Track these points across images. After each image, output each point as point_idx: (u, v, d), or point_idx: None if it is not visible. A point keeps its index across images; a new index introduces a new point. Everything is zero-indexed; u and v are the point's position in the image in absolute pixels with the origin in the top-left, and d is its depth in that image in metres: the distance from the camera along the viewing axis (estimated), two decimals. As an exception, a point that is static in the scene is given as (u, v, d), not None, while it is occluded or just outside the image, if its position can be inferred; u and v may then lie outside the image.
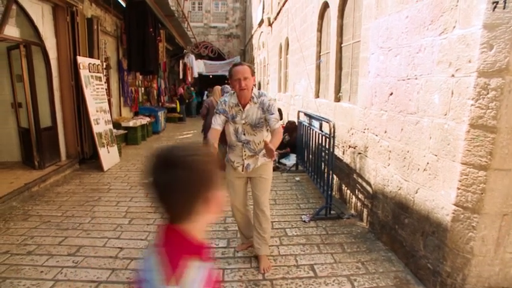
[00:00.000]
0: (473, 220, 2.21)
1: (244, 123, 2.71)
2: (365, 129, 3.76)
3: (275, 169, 6.10)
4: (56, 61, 5.71)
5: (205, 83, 20.34)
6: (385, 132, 3.28)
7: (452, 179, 2.30)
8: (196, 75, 15.13)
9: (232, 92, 2.75)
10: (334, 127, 3.76)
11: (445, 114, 2.37)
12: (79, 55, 5.84)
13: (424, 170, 2.63)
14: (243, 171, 2.80)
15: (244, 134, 2.73)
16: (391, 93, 3.16)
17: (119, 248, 3.20)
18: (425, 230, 2.62)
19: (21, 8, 4.85)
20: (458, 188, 2.25)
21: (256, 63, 15.83)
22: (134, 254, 3.10)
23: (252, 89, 2.66)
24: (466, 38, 2.16)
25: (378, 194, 3.45)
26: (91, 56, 6.32)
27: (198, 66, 15.75)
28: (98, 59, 6.53)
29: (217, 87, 5.63)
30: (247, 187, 2.99)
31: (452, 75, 2.29)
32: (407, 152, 2.88)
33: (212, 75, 20.63)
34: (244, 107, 2.68)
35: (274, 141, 2.54)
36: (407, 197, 2.90)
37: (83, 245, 3.24)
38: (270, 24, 11.51)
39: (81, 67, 5.80)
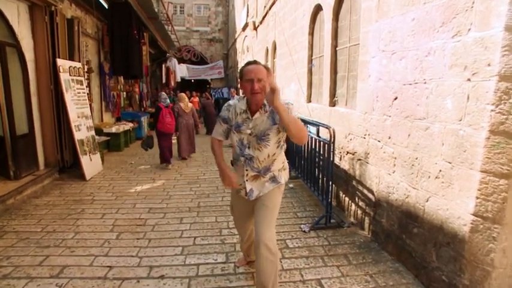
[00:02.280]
0: (494, 231, 2.11)
1: (250, 134, 2.24)
2: (365, 134, 3.66)
3: None
4: (33, 63, 5.33)
5: (188, 87, 20.01)
6: (389, 138, 3.18)
7: (470, 188, 2.20)
8: (179, 79, 14.81)
9: (242, 95, 2.34)
10: (334, 133, 3.63)
11: (460, 120, 2.28)
12: (59, 57, 5.49)
13: (436, 177, 2.53)
14: (246, 196, 2.36)
15: (248, 148, 2.26)
16: (396, 98, 3.06)
17: (107, 266, 2.92)
18: (439, 241, 2.51)
19: (-5, 6, 4.49)
20: (477, 197, 2.14)
21: (240, 67, 15.68)
22: (125, 273, 2.83)
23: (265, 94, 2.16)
24: (484, 41, 2.07)
25: (381, 201, 3.34)
26: (71, 58, 5.97)
27: (181, 70, 15.43)
28: (79, 61, 6.19)
29: (183, 94, 7.43)
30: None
31: (468, 79, 2.20)
32: (416, 158, 2.78)
33: (194, 80, 20.34)
34: (253, 115, 2.22)
35: (290, 115, 2.02)
36: (416, 206, 2.79)
37: (67, 264, 2.94)
38: (255, 28, 11.40)
39: (61, 70, 5.45)
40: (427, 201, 2.65)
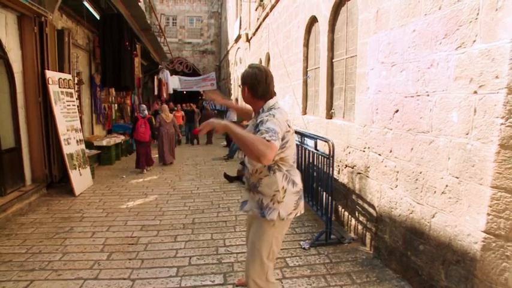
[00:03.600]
0: (508, 249, 2.02)
1: None
2: (365, 148, 3.58)
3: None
4: (21, 75, 5.17)
5: (180, 99, 19.89)
6: (391, 151, 3.10)
7: (480, 204, 2.11)
8: (171, 91, 14.69)
9: None
10: (333, 147, 3.54)
11: (467, 134, 2.21)
12: (48, 69, 5.33)
13: (443, 193, 2.44)
14: (240, 204, 2.27)
15: None
16: (397, 111, 2.99)
17: (97, 291, 2.74)
18: (447, 259, 2.40)
19: (-19, 16, 4.34)
20: (489, 214, 2.05)
21: (233, 78, 15.68)
22: (116, 298, 2.65)
23: (264, 101, 2.05)
24: (490, 53, 2.02)
25: (383, 217, 3.24)
26: (61, 70, 5.82)
27: (173, 82, 15.33)
28: (69, 73, 6.03)
29: (165, 106, 8.50)
30: None
31: (475, 92, 2.13)
32: (420, 173, 2.69)
33: (186, 92, 20.24)
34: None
35: (240, 130, 1.72)
36: (421, 222, 2.69)
37: (54, 289, 2.75)
38: (248, 40, 11.42)
39: (50, 82, 5.30)
40: (433, 217, 2.56)
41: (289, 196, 2.03)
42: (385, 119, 3.17)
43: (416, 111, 2.73)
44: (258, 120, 1.89)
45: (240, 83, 2.13)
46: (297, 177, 2.12)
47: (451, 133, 2.35)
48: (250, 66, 2.14)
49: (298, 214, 2.12)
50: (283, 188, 2.00)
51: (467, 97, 2.20)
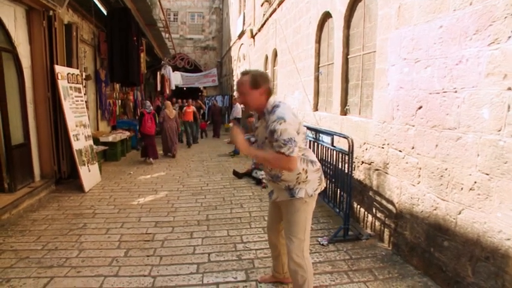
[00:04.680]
0: (542, 246, 2.01)
1: (255, 141, 2.35)
2: (384, 144, 3.56)
3: (259, 183, 5.79)
4: (30, 70, 5.10)
5: (181, 95, 19.81)
6: (413, 148, 3.08)
7: (513, 201, 2.10)
8: (173, 87, 14.61)
9: None
10: (353, 143, 3.52)
11: (499, 130, 2.19)
12: (56, 64, 5.27)
13: (471, 189, 2.43)
14: (268, 194, 2.48)
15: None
16: (420, 107, 2.97)
17: (120, 288, 2.72)
18: (475, 255, 2.40)
19: (-10, 9, 4.27)
20: (523, 211, 2.05)
21: (235, 75, 15.61)
22: (140, 295, 2.63)
23: (265, 102, 2.18)
24: (527, 48, 2.00)
25: (404, 213, 3.23)
26: (69, 65, 5.75)
27: (175, 78, 15.25)
28: (77, 68, 5.96)
29: (168, 102, 9.10)
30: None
31: (509, 88, 2.12)
32: (446, 169, 2.68)
33: (187, 88, 20.15)
34: (259, 120, 2.29)
35: (261, 153, 2.12)
36: (446, 218, 2.68)
37: (75, 287, 2.72)
38: (253, 36, 11.35)
39: (59, 77, 5.24)
40: (459, 213, 2.55)
41: (311, 174, 2.23)
42: (407, 116, 3.15)
43: (442, 107, 2.71)
44: (272, 127, 2.01)
45: (244, 90, 2.16)
46: (313, 156, 2.30)
47: (481, 130, 2.33)
48: (249, 72, 2.21)
49: (322, 188, 2.32)
50: (303, 169, 2.20)
51: (500, 93, 2.18)
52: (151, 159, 7.80)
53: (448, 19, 2.62)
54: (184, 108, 10.92)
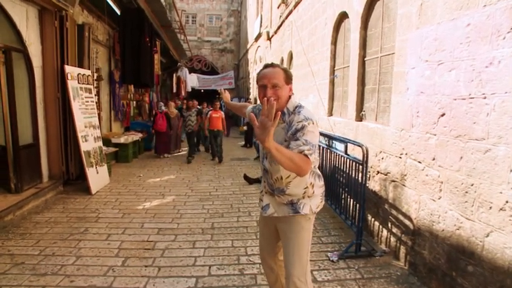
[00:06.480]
0: None
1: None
2: (402, 154, 3.27)
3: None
4: (40, 70, 5.09)
5: (197, 97, 19.85)
6: (434, 159, 2.79)
7: (553, 226, 1.80)
8: (189, 89, 14.60)
9: None
10: (367, 152, 3.25)
11: (537, 143, 1.89)
12: (67, 64, 5.23)
13: (501, 209, 2.13)
14: (262, 209, 2.10)
15: (265, 158, 1.99)
16: (443, 114, 2.68)
17: (111, 301, 2.55)
18: (506, 285, 2.09)
19: (2, 9, 4.25)
20: None
21: (252, 77, 15.46)
22: (131, 310, 2.45)
23: (288, 101, 1.88)
24: None
25: (422, 230, 2.93)
26: (81, 65, 5.72)
27: (192, 80, 15.25)
28: (89, 69, 5.93)
29: (171, 103, 10.08)
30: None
31: (550, 95, 1.82)
32: (471, 185, 2.38)
33: (204, 90, 20.17)
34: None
35: (287, 150, 1.64)
36: (471, 240, 2.38)
37: (66, 298, 2.58)
38: (269, 38, 11.16)
39: (69, 77, 5.20)
40: (487, 236, 2.24)
41: (317, 189, 2.01)
42: (428, 123, 2.86)
43: (468, 115, 2.41)
44: (299, 126, 1.74)
45: (278, 81, 1.81)
46: (318, 170, 2.08)
47: (514, 142, 2.04)
48: (275, 64, 1.90)
49: (321, 207, 2.07)
50: (311, 183, 1.97)
51: (539, 100, 1.88)
52: (165, 154, 8.93)
53: (477, 16, 2.33)
54: (210, 112, 8.49)
